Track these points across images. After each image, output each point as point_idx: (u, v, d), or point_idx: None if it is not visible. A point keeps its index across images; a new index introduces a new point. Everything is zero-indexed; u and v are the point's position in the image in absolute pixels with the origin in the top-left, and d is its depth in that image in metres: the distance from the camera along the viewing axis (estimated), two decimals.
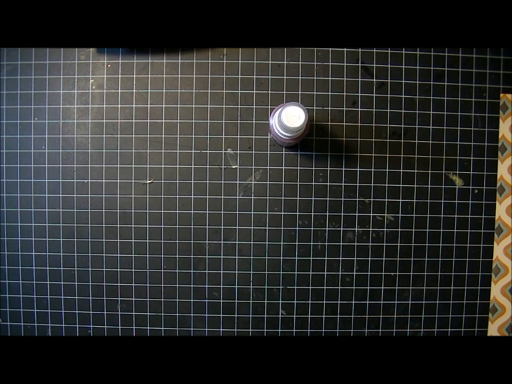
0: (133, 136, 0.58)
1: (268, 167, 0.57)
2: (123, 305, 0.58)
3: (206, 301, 0.58)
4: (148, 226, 0.57)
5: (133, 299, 0.58)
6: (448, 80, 0.57)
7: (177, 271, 0.58)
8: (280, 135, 0.50)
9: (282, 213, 0.58)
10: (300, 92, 0.57)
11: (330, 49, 0.57)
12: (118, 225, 0.58)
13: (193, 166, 0.57)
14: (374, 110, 0.57)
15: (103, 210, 0.58)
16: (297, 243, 0.58)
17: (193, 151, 0.57)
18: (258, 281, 0.58)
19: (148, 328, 0.59)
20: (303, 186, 0.58)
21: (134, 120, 0.58)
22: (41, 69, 0.58)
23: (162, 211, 0.57)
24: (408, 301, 0.58)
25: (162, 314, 0.58)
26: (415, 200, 0.58)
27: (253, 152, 0.58)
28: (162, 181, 0.57)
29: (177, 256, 0.58)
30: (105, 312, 0.59)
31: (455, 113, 0.57)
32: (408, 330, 0.58)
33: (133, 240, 0.58)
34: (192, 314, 0.58)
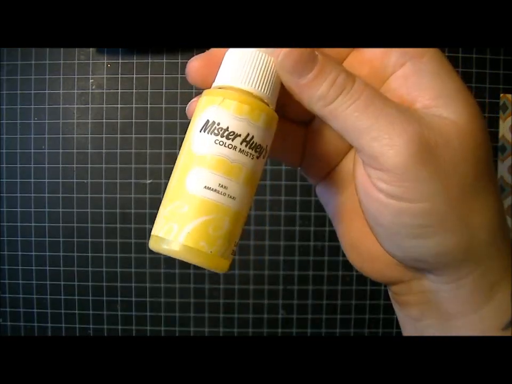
0: (133, 136, 0.58)
1: (268, 167, 0.58)
2: (123, 305, 0.58)
3: (206, 301, 0.58)
4: (147, 226, 0.57)
5: (133, 299, 0.58)
6: None
7: (177, 271, 0.58)
8: None
9: (282, 213, 0.58)
10: None
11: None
12: (118, 225, 0.58)
13: None
14: None
15: (103, 210, 0.58)
16: (297, 243, 0.58)
17: None
18: (258, 281, 0.58)
19: (148, 328, 0.59)
20: (303, 186, 0.58)
21: (134, 120, 0.58)
22: (41, 69, 0.58)
23: None
24: None
25: (162, 314, 0.58)
26: None
27: None
28: (162, 181, 0.57)
29: None
30: (105, 312, 0.58)
31: None
32: None
33: (132, 240, 0.58)
34: (192, 314, 0.58)
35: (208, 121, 0.18)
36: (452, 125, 0.17)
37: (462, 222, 0.18)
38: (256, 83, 0.18)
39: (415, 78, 0.18)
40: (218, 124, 0.18)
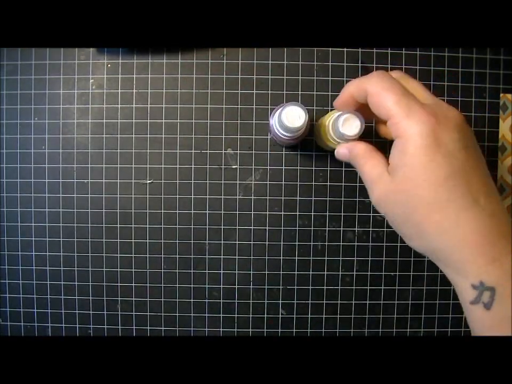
0: (133, 136, 0.58)
1: (268, 167, 0.58)
2: (123, 305, 0.58)
3: (206, 301, 0.58)
4: (147, 226, 0.57)
5: (133, 299, 0.58)
6: (448, 80, 0.57)
7: (177, 271, 0.58)
8: (280, 135, 0.50)
9: (282, 213, 0.58)
10: (300, 92, 0.57)
11: (330, 49, 0.57)
12: (118, 225, 0.58)
13: (193, 166, 0.57)
14: None
15: (103, 210, 0.58)
16: (297, 243, 0.58)
17: (193, 151, 0.57)
18: (258, 281, 0.58)
19: (148, 328, 0.59)
20: (303, 186, 0.58)
21: (134, 120, 0.58)
22: (41, 69, 0.58)
23: (162, 211, 0.57)
24: (408, 301, 0.58)
25: (162, 314, 0.58)
26: None
27: (253, 152, 0.58)
28: (162, 181, 0.57)
29: (177, 256, 0.58)
30: (105, 312, 0.59)
31: None
32: (408, 330, 0.58)
33: (133, 240, 0.58)
34: (192, 314, 0.58)
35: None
36: (387, 184, 0.34)
37: (422, 231, 0.30)
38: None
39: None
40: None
